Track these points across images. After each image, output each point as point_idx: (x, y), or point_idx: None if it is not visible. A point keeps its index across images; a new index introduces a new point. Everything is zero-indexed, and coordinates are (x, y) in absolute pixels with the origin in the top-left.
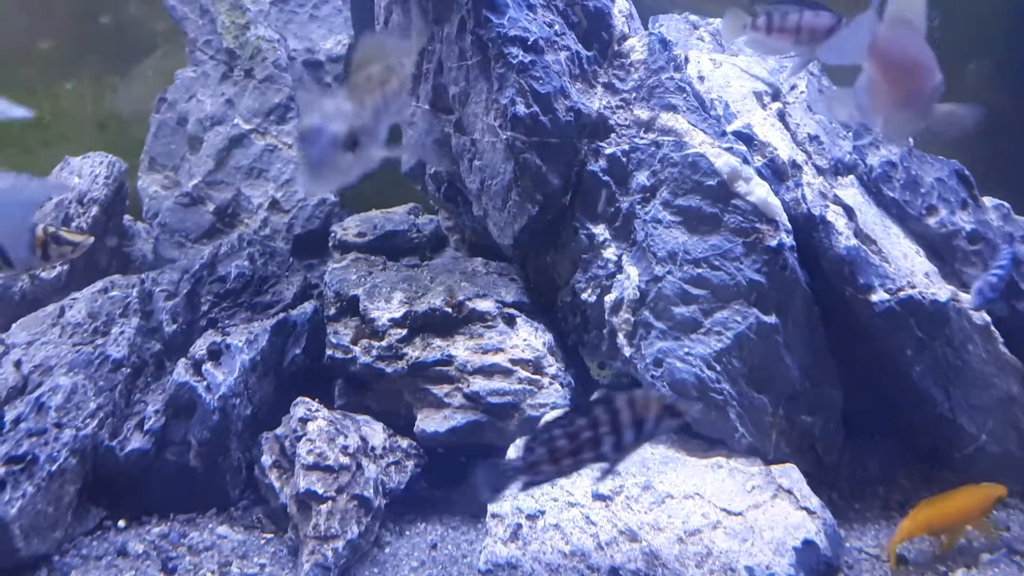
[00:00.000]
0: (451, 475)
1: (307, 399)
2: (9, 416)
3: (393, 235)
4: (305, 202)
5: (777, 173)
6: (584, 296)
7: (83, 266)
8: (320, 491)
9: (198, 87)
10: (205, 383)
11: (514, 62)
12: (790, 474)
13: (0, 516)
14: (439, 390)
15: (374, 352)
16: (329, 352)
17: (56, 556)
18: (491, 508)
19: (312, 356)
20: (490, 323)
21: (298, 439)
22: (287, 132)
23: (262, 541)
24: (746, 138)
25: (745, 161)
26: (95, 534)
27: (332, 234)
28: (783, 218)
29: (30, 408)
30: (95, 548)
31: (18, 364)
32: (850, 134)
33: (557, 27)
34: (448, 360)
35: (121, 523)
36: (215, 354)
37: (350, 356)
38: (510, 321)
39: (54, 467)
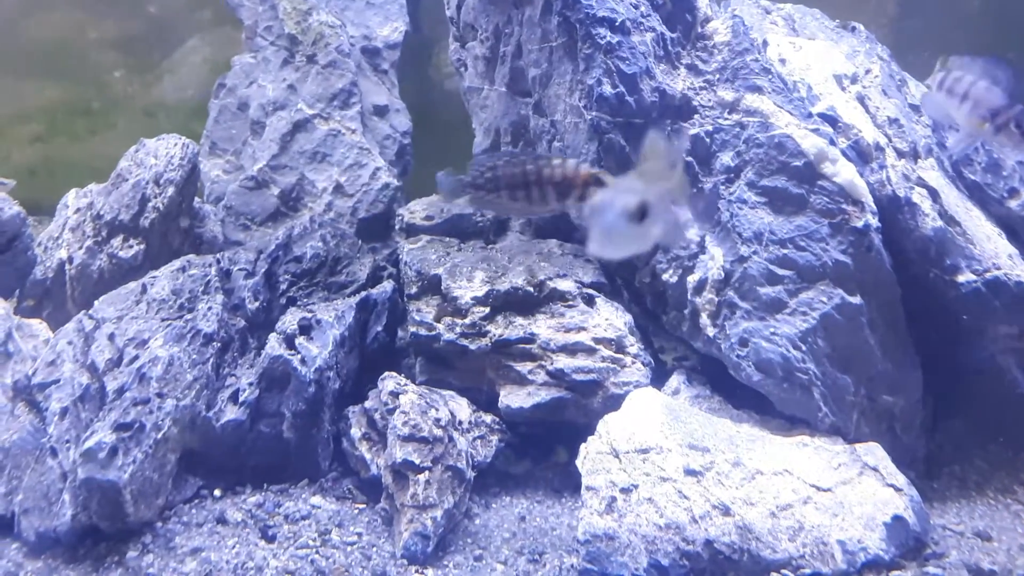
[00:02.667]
0: (532, 451)
1: (394, 374)
2: (111, 386)
3: (459, 218)
4: (369, 186)
5: (861, 155)
6: (665, 277)
7: (157, 246)
8: (417, 461)
9: (259, 73)
10: (299, 356)
11: (601, 43)
12: (875, 452)
13: (114, 481)
14: (522, 367)
15: (457, 330)
16: (412, 329)
17: (159, 523)
18: (586, 482)
19: (389, 334)
20: (571, 303)
21: (390, 412)
22: (350, 117)
23: (355, 511)
24: (831, 120)
25: (831, 142)
26: (193, 502)
27: (399, 217)
28: (869, 199)
29: (132, 378)
30: (195, 516)
31: (111, 337)
32: (925, 117)
33: (643, 9)
34: (531, 338)
35: (217, 492)
36: (306, 329)
37: (434, 333)
38: (590, 301)
39: (159, 435)
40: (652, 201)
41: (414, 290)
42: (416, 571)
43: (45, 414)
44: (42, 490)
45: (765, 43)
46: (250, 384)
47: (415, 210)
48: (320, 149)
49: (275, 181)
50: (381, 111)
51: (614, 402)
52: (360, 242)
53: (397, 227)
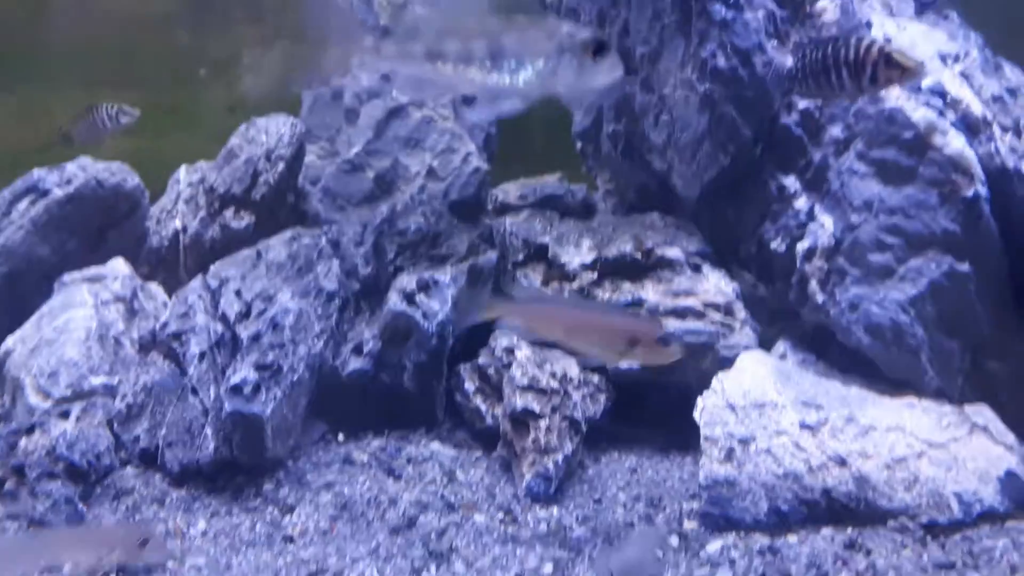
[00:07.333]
0: (636, 412)
1: (506, 331)
2: (244, 334)
3: (552, 198)
4: (460, 170)
5: (970, 127)
6: (773, 246)
7: (266, 219)
8: (536, 409)
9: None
10: (421, 311)
11: (716, 18)
12: (984, 412)
13: (259, 414)
14: None
15: (566, 294)
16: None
17: (290, 461)
18: (704, 432)
19: None
20: (678, 270)
21: (505, 366)
22: (443, 104)
23: (473, 457)
24: (939, 93)
25: (941, 115)
26: (319, 445)
27: (493, 197)
28: (978, 170)
29: (267, 326)
30: (322, 457)
31: (238, 293)
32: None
33: None
34: (639, 302)
35: (341, 437)
36: (424, 287)
37: None
38: (696, 268)
39: (295, 376)
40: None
41: (520, 257)
42: (540, 509)
43: (183, 357)
44: (184, 425)
45: (869, 23)
46: (373, 336)
47: (508, 190)
48: (414, 135)
49: (370, 165)
50: (469, 100)
51: (723, 364)
52: (455, 220)
53: (491, 207)
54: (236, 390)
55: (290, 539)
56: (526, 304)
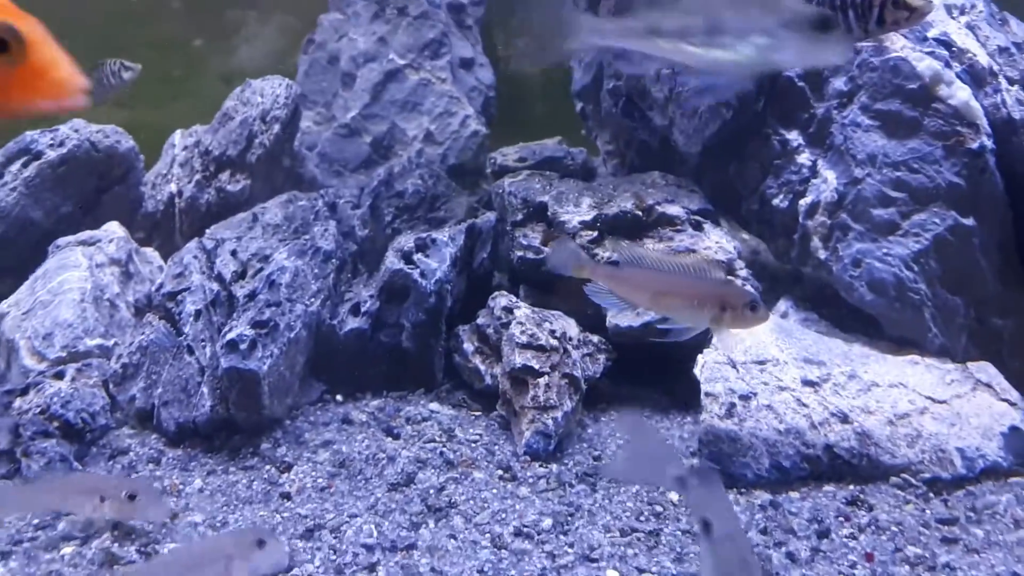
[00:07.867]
0: (637, 372)
1: (505, 292)
2: (240, 293)
3: (551, 160)
4: (459, 134)
5: (976, 79)
6: (775, 202)
7: (262, 183)
8: (536, 366)
9: (349, 27)
10: (419, 270)
11: None
12: (987, 370)
13: (255, 370)
14: None
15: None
16: (519, 253)
17: (287, 421)
18: (704, 388)
19: (492, 262)
20: (679, 227)
21: (504, 326)
22: (440, 67)
23: (471, 417)
24: (945, 44)
25: (947, 65)
26: (317, 405)
27: (491, 160)
28: (984, 122)
29: (263, 284)
30: (320, 416)
31: (234, 253)
32: None
33: None
34: None
35: (339, 397)
36: (422, 247)
37: (541, 256)
38: (697, 226)
39: (292, 334)
40: None
41: (519, 217)
42: (540, 466)
43: (179, 316)
44: (180, 384)
45: None
46: (370, 296)
47: (507, 153)
48: (411, 98)
49: (367, 129)
50: (467, 64)
51: None
52: (454, 184)
53: (489, 170)
54: (232, 346)
55: (287, 496)
56: (615, 267)
